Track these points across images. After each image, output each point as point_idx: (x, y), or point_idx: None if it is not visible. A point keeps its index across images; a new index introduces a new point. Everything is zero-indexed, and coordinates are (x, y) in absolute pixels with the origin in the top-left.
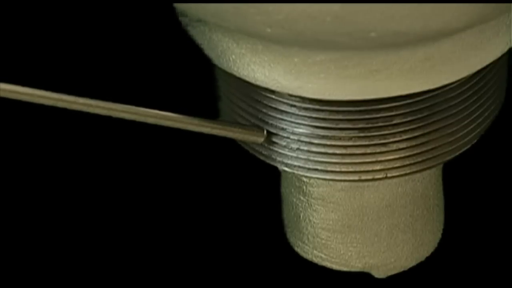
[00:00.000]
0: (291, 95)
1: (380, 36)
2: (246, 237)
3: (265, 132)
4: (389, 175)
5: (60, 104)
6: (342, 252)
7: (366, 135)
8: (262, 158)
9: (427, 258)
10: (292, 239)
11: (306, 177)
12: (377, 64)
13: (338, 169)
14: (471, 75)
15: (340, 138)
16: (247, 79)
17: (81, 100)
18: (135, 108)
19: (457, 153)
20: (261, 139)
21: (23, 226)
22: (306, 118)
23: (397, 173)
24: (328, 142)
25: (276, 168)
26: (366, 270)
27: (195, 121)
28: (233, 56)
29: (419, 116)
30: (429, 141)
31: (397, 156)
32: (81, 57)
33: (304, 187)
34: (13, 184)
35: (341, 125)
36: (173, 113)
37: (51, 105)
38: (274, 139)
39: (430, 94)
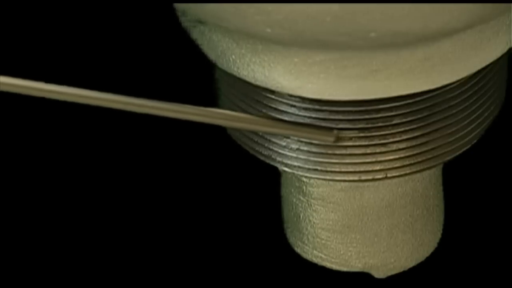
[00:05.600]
0: (291, 95)
1: (380, 36)
2: (246, 237)
3: (335, 131)
4: (389, 175)
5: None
6: (342, 252)
7: (366, 135)
8: (262, 158)
9: (427, 258)
10: (292, 239)
11: (306, 177)
12: (377, 64)
13: (338, 169)
14: (471, 75)
15: (340, 138)
16: (247, 79)
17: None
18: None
19: (457, 153)
20: (331, 139)
21: (23, 226)
22: (306, 118)
23: (397, 173)
24: (328, 142)
25: (276, 168)
26: (366, 270)
27: (267, 122)
28: (233, 56)
29: (419, 116)
30: (429, 141)
31: (397, 156)
32: (81, 57)
33: (304, 187)
34: (13, 183)
35: (341, 125)
36: (242, 113)
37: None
38: (274, 139)
39: (430, 94)
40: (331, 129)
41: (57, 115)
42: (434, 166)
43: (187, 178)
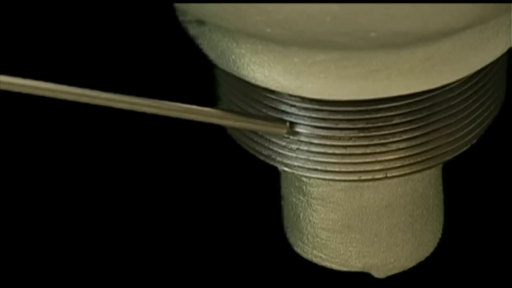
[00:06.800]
0: (291, 95)
1: (380, 36)
2: (246, 237)
3: (287, 124)
4: (388, 175)
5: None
6: (341, 252)
7: (366, 135)
8: (262, 158)
9: (427, 258)
10: (292, 239)
11: (306, 177)
12: (377, 64)
13: (337, 169)
14: (471, 75)
15: (340, 138)
16: (247, 79)
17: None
18: (158, 101)
19: (457, 153)
20: (283, 131)
21: (23, 226)
22: (306, 118)
23: (397, 173)
24: (328, 142)
25: (276, 168)
26: (366, 270)
27: (218, 113)
28: (233, 56)
29: (419, 116)
30: (429, 141)
31: (396, 156)
32: (81, 58)
33: (304, 187)
34: (13, 183)
35: (341, 125)
36: (195, 105)
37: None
38: (274, 139)
39: (430, 94)
40: (284, 121)
41: (56, 115)
42: (434, 166)
43: (187, 178)
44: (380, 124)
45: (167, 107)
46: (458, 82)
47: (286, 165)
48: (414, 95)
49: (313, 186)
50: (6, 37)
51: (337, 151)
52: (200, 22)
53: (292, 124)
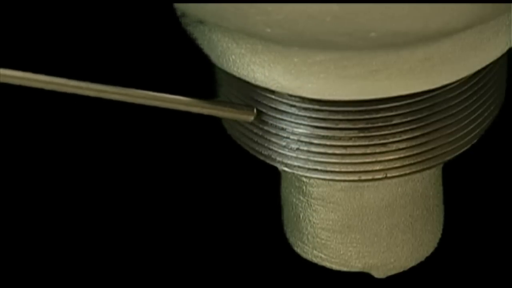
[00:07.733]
0: (291, 95)
1: (380, 36)
2: (246, 237)
3: (255, 110)
4: (388, 175)
5: (53, 87)
6: (341, 252)
7: (366, 135)
8: (262, 158)
9: (427, 258)
10: (292, 239)
11: (306, 177)
12: (377, 64)
13: (338, 169)
14: (471, 75)
15: (340, 138)
16: (247, 79)
17: (73, 82)
18: (125, 89)
19: (457, 153)
20: (251, 118)
21: (23, 226)
22: (306, 118)
23: (397, 173)
24: (328, 142)
25: (276, 168)
26: (366, 270)
27: (185, 100)
28: (233, 56)
29: (419, 116)
30: (429, 141)
31: (396, 156)
32: (80, 58)
33: (304, 187)
34: (12, 180)
35: (341, 125)
36: (162, 93)
37: (42, 88)
38: (274, 139)
39: (430, 94)
40: (251, 107)
41: (54, 114)
42: (434, 166)
43: (187, 178)
44: (380, 124)
45: (133, 94)
46: (458, 82)
47: (286, 165)
48: (414, 95)
49: (313, 186)
50: (6, 37)
51: (337, 151)
52: (200, 22)
53: (260, 112)
